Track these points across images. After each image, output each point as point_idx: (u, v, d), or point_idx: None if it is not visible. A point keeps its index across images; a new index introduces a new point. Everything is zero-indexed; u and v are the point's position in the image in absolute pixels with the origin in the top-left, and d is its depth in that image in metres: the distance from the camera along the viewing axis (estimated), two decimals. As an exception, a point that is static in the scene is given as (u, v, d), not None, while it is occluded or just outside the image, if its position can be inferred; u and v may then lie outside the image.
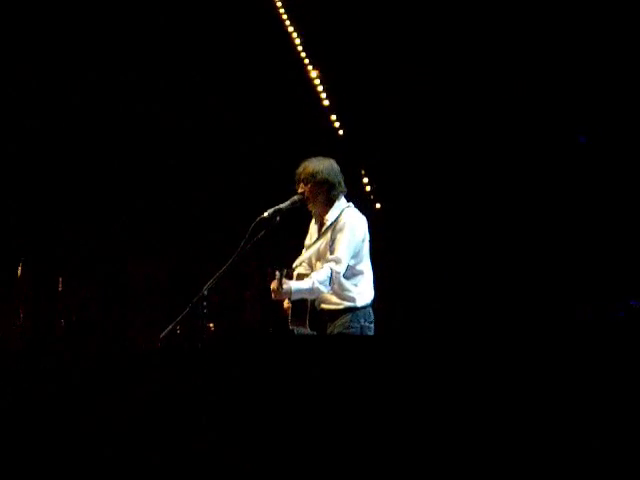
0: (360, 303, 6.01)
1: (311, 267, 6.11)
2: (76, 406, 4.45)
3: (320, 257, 6.06)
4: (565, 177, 8.49)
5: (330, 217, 6.07)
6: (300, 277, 6.01)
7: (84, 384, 4.51)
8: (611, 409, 4.12)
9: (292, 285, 5.89)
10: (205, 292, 5.76)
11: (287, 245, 6.69)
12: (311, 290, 5.90)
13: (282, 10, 9.58)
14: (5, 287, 8.66)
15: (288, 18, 9.56)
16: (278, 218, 5.95)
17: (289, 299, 5.95)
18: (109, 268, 8.89)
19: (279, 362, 4.42)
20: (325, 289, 5.91)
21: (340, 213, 6.06)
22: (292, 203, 6.05)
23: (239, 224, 6.13)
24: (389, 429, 4.20)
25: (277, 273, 5.87)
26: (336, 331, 5.95)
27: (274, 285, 5.90)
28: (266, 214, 5.94)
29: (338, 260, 5.93)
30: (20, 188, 9.04)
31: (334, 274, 5.90)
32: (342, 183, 6.12)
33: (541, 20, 8.56)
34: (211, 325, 7.39)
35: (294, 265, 6.14)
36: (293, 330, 6.01)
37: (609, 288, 8.12)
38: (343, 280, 5.97)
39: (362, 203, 6.43)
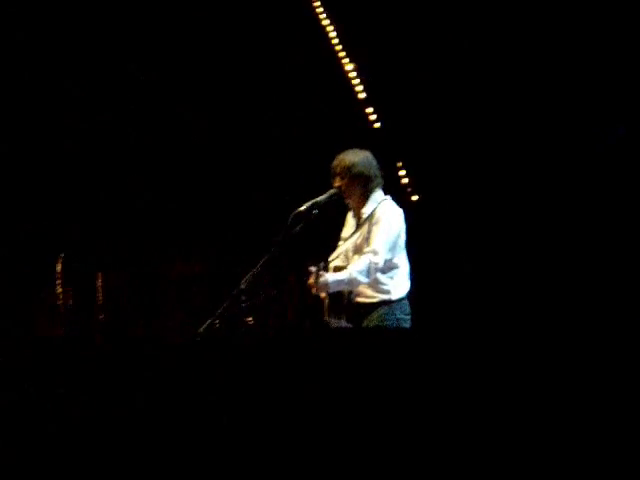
0: (395, 296, 5.99)
1: (347, 260, 6.10)
2: (114, 399, 4.48)
3: (357, 250, 6.05)
4: (604, 171, 8.42)
5: (367, 210, 6.06)
6: (337, 270, 6.00)
7: (121, 378, 4.54)
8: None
9: (329, 277, 5.88)
10: (243, 286, 5.78)
11: (324, 238, 6.68)
12: (349, 281, 5.89)
13: (317, 3, 9.56)
14: (45, 282, 8.72)
15: (324, 11, 9.55)
16: (315, 212, 5.95)
17: (327, 291, 5.93)
18: (148, 263, 8.93)
19: (315, 355, 4.42)
20: (364, 279, 5.89)
21: (377, 206, 6.05)
22: (329, 197, 6.05)
23: (277, 218, 6.13)
24: (426, 419, 4.19)
25: (312, 268, 5.88)
26: (372, 324, 5.94)
27: (311, 280, 5.90)
28: (303, 208, 5.95)
29: (375, 251, 5.91)
30: (60, 184, 9.10)
31: (372, 265, 5.89)
32: (379, 176, 6.10)
33: (572, 15, 8.50)
34: (249, 319, 7.39)
35: (330, 258, 6.13)
36: (328, 323, 6.00)
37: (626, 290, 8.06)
38: (378, 273, 5.95)
39: (399, 196, 6.41)
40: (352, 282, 5.90)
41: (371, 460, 4.17)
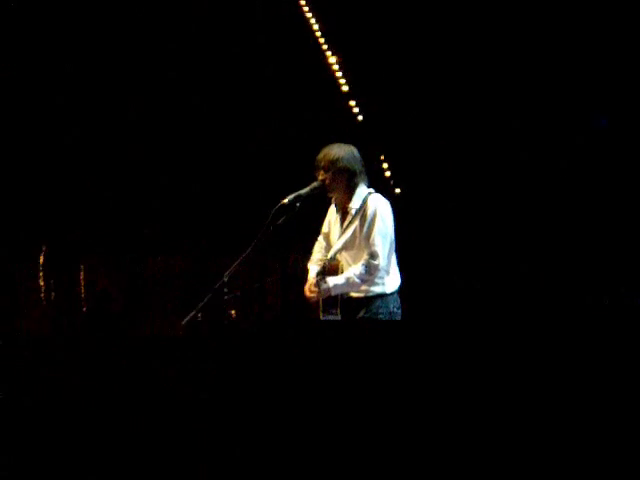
0: (389, 290, 6.02)
1: (336, 257, 6.10)
2: (95, 393, 4.47)
3: (347, 247, 6.05)
4: (587, 166, 8.46)
5: (354, 205, 6.05)
6: (332, 267, 6.02)
7: (104, 371, 4.53)
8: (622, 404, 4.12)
9: (330, 283, 5.92)
10: (226, 278, 5.78)
11: (307, 231, 6.69)
12: (350, 284, 5.93)
13: (301, -4, 9.56)
14: (27, 275, 8.70)
15: (307, 4, 9.54)
16: (298, 204, 5.95)
17: (329, 295, 5.96)
18: (130, 255, 8.91)
19: (305, 348, 4.42)
20: (363, 282, 5.93)
21: (364, 200, 6.04)
22: (312, 189, 6.05)
23: (260, 210, 6.13)
24: (417, 411, 4.20)
25: (317, 277, 5.91)
26: (365, 316, 5.95)
27: (314, 287, 5.92)
28: (286, 200, 5.94)
29: (375, 254, 5.93)
30: (42, 176, 9.07)
31: (373, 267, 5.91)
32: (363, 171, 6.11)
33: (562, 8, 8.53)
34: (233, 312, 7.38)
35: (327, 258, 6.12)
36: (323, 318, 6.00)
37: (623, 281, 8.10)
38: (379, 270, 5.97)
39: (382, 189, 6.42)
40: (352, 286, 5.94)
41: (365, 451, 4.18)
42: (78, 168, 9.11)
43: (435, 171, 8.96)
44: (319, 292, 5.93)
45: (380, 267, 5.91)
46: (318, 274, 5.92)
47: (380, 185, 6.63)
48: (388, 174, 9.07)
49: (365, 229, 5.98)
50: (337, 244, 6.09)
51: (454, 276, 8.57)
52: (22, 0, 9.18)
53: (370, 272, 5.91)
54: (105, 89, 9.17)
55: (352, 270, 5.94)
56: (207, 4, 9.34)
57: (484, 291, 8.37)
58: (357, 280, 5.90)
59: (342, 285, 5.92)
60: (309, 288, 5.99)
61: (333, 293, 5.94)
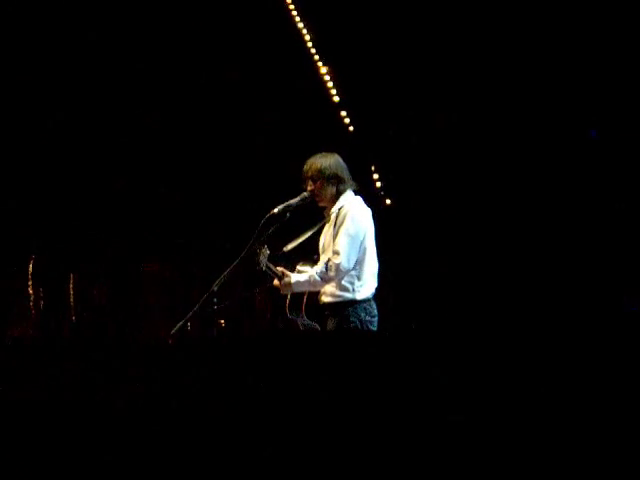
0: (360, 296, 5.98)
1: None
2: (84, 402, 4.47)
3: (325, 250, 6.07)
4: (579, 172, 8.48)
5: (334, 209, 6.07)
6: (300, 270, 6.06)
7: (93, 380, 4.53)
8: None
9: (292, 278, 5.94)
10: (215, 288, 5.78)
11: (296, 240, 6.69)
12: (310, 282, 5.94)
13: (292, 6, 9.58)
14: (16, 284, 8.69)
15: (298, 14, 9.56)
16: (288, 214, 5.96)
17: (291, 291, 5.98)
18: (120, 265, 8.91)
19: (284, 358, 4.42)
20: (322, 279, 5.93)
21: (342, 205, 6.06)
22: (302, 199, 6.05)
23: (250, 220, 6.14)
24: (391, 426, 4.20)
25: (279, 269, 5.94)
26: (336, 324, 5.95)
27: (275, 281, 5.96)
28: (276, 210, 5.95)
29: (337, 251, 5.92)
30: (31, 185, 9.07)
31: (333, 265, 5.90)
32: (349, 177, 6.12)
33: (552, 14, 8.56)
34: (221, 321, 7.41)
35: (285, 249, 6.14)
36: (294, 320, 6.02)
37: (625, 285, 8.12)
38: (344, 270, 5.95)
39: (372, 199, 6.43)
40: (313, 283, 5.94)
41: (348, 464, 4.18)
42: (68, 177, 9.10)
43: (426, 182, 8.97)
44: (281, 287, 5.95)
45: (342, 267, 5.88)
46: (279, 275, 5.94)
47: (371, 195, 6.64)
48: (379, 185, 9.09)
49: (335, 230, 5.99)
50: (300, 238, 6.10)
51: (444, 285, 8.58)
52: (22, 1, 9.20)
53: (330, 270, 5.89)
54: (96, 104, 9.17)
55: (314, 268, 5.95)
56: (200, 14, 9.35)
57: (474, 301, 8.39)
58: (317, 278, 5.91)
59: (303, 282, 5.94)
60: (274, 283, 6.02)
61: (294, 289, 5.95)
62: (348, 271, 5.93)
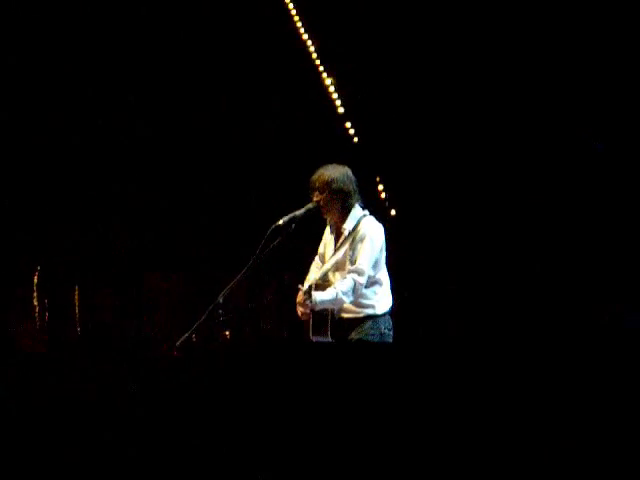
0: (379, 311, 6.02)
1: (327, 276, 6.10)
2: (90, 414, 4.46)
3: (339, 268, 6.06)
4: (581, 184, 8.48)
5: (348, 226, 6.06)
6: (318, 287, 6.00)
7: (98, 391, 4.52)
8: (619, 412, 4.12)
9: (317, 296, 5.90)
10: (221, 300, 5.78)
11: (302, 252, 6.68)
12: (334, 301, 5.92)
13: (297, 18, 9.60)
14: (22, 295, 8.69)
15: (303, 26, 9.58)
16: (293, 225, 5.96)
17: (314, 310, 5.94)
18: (125, 276, 8.90)
19: (296, 370, 4.41)
20: (348, 300, 5.93)
21: (358, 222, 6.05)
22: (307, 211, 6.05)
23: (255, 231, 6.13)
24: (407, 435, 4.19)
25: (301, 286, 5.91)
26: (356, 338, 5.95)
27: (299, 298, 5.92)
28: (281, 222, 5.95)
29: (361, 272, 5.93)
30: (37, 196, 9.07)
31: (357, 285, 5.91)
32: (357, 191, 6.12)
33: (560, 27, 8.57)
34: (227, 333, 7.38)
35: (317, 277, 6.11)
36: (313, 339, 5.99)
37: (625, 292, 8.11)
38: (363, 289, 5.98)
39: (377, 210, 6.42)
40: (338, 302, 5.93)
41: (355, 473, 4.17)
42: (72, 189, 9.11)
43: (430, 192, 8.97)
44: (305, 307, 5.92)
45: (363, 286, 5.91)
46: (305, 291, 5.91)
47: (375, 206, 6.64)
48: (383, 195, 9.08)
49: (354, 251, 5.99)
50: (327, 264, 6.10)
51: (449, 296, 8.57)
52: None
53: (354, 289, 5.90)
54: (100, 115, 9.18)
55: (338, 286, 5.93)
56: (206, 24, 9.36)
57: (479, 312, 8.38)
58: (342, 297, 5.90)
59: (327, 301, 5.92)
60: (297, 302, 5.98)
61: (318, 308, 5.92)
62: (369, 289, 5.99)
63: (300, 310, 5.96)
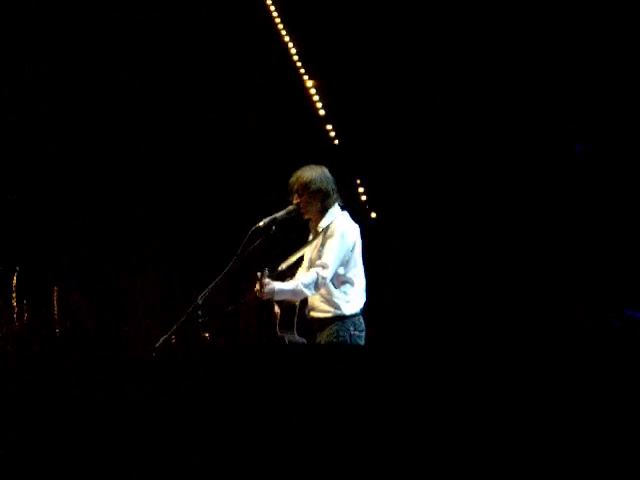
0: (349, 311, 5.99)
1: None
2: (70, 414, 4.45)
3: (311, 264, 6.06)
4: (563, 185, 8.51)
5: (322, 224, 6.06)
6: (281, 275, 6.00)
7: (78, 393, 4.51)
8: (608, 414, 4.12)
9: (275, 285, 5.88)
10: (200, 301, 5.76)
11: (283, 254, 6.68)
12: (294, 292, 5.88)
13: (278, 20, 9.60)
14: (0, 296, 8.65)
15: (284, 28, 9.58)
16: (274, 227, 5.95)
17: (273, 299, 5.92)
18: (105, 277, 8.88)
19: (270, 371, 4.41)
20: (309, 292, 5.89)
21: (332, 220, 6.05)
22: (288, 213, 6.05)
23: (235, 233, 6.13)
24: (379, 439, 4.19)
25: (259, 273, 5.87)
26: (325, 339, 5.94)
27: (257, 285, 5.89)
28: (262, 223, 5.94)
29: (325, 265, 5.91)
30: (16, 196, 9.04)
31: (320, 279, 5.88)
32: (336, 191, 6.12)
33: (540, 25, 8.60)
34: (206, 334, 7.38)
35: (281, 268, 6.10)
36: (283, 337, 5.98)
37: (607, 295, 8.14)
38: (332, 288, 5.96)
39: (357, 212, 6.42)
40: (297, 293, 5.90)
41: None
42: (52, 190, 9.08)
43: (411, 195, 8.99)
44: (262, 292, 5.88)
45: (327, 281, 5.89)
46: (262, 276, 5.85)
47: (355, 209, 6.64)
48: (364, 198, 9.09)
49: (323, 246, 5.98)
50: (294, 256, 6.08)
51: (428, 299, 8.59)
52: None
53: (316, 282, 5.88)
54: (89, 116, 9.17)
55: (300, 278, 5.93)
56: (187, 28, 9.36)
57: (460, 315, 8.39)
58: (304, 289, 5.88)
59: (287, 291, 5.88)
60: (255, 289, 5.93)
61: (276, 297, 5.89)
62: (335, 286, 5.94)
63: (257, 293, 5.91)
